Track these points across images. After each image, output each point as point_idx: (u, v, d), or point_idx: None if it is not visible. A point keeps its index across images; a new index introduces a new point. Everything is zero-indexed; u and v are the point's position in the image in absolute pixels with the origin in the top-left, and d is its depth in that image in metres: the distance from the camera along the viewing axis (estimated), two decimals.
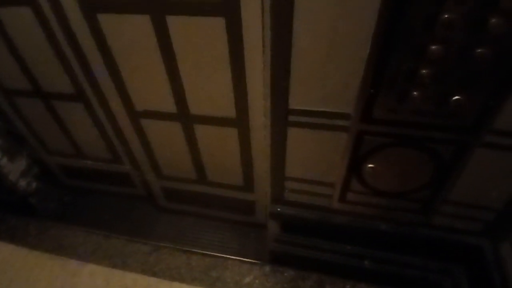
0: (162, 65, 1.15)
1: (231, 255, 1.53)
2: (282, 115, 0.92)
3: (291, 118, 0.93)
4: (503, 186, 0.96)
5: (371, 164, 0.98)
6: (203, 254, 1.55)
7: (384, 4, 0.67)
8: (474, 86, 0.77)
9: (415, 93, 0.80)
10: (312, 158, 1.04)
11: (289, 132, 0.98)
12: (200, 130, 1.32)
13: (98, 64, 1.19)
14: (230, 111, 1.19)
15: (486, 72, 0.74)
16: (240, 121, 1.21)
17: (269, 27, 0.75)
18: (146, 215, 1.72)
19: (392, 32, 0.71)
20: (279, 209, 1.22)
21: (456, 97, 0.79)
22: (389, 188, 1.05)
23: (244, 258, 1.51)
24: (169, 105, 1.26)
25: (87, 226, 1.60)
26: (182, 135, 1.37)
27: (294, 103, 0.90)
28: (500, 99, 0.77)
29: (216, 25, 0.96)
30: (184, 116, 1.29)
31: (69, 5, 1.06)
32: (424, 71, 0.76)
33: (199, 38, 1.01)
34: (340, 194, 1.10)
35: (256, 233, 1.57)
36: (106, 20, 1.07)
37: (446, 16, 0.67)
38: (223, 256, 1.53)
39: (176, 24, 1.01)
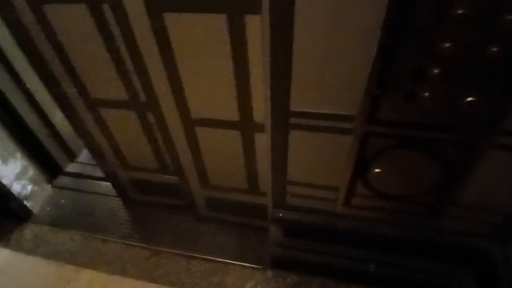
0: (231, 69, 0.99)
1: (232, 260, 1.49)
2: (283, 117, 0.88)
3: (293, 120, 0.89)
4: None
5: (377, 167, 0.94)
6: (203, 258, 1.51)
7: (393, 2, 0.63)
8: (487, 85, 0.72)
9: (424, 93, 0.76)
10: (315, 162, 1.00)
11: (290, 135, 0.94)
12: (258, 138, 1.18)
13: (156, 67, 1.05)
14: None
15: (500, 71, 0.70)
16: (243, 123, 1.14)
17: (268, 24, 0.70)
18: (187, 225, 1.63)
19: (401, 28, 0.67)
20: (281, 214, 1.18)
21: (470, 98, 0.75)
22: (395, 192, 1.01)
23: (245, 263, 1.48)
24: (231, 112, 1.12)
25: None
26: (240, 144, 1.23)
27: (296, 104, 0.86)
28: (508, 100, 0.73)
29: None
30: (246, 124, 1.15)
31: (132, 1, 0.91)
32: (434, 70, 0.72)
33: None
34: (345, 198, 1.06)
35: (258, 236, 1.53)
36: (174, 20, 0.93)
37: (459, 11, 0.63)
38: (224, 261, 1.50)
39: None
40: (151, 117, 1.26)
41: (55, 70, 1.20)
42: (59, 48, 1.11)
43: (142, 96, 1.17)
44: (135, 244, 1.57)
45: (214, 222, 1.60)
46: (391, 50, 0.71)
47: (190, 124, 1.19)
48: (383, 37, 0.69)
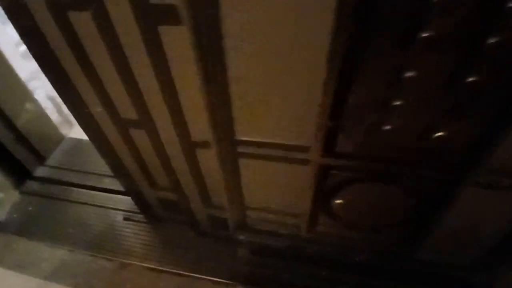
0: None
1: (202, 275, 1.41)
2: (228, 146, 0.76)
3: (241, 149, 0.77)
4: (496, 225, 0.80)
5: (339, 199, 0.83)
6: (173, 273, 1.43)
7: (342, 17, 0.48)
8: (461, 119, 0.59)
9: (387, 126, 0.63)
10: (273, 190, 0.89)
11: (240, 163, 0.82)
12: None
13: None
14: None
15: (476, 103, 0.57)
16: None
17: (193, 46, 0.57)
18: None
19: (356, 53, 0.53)
20: (242, 237, 1.08)
21: (439, 133, 0.62)
22: (363, 223, 0.89)
23: (217, 278, 1.39)
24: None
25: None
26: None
27: (242, 133, 0.74)
28: (492, 134, 0.60)
29: None
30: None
31: None
32: (396, 101, 0.58)
33: None
34: (308, 226, 0.96)
35: (231, 249, 1.44)
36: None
37: (427, 34, 0.49)
38: (194, 276, 1.41)
39: None
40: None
41: (79, 85, 0.89)
42: (84, 60, 0.80)
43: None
44: (102, 256, 1.49)
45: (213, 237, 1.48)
46: (345, 78, 0.57)
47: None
48: (334, 64, 0.55)
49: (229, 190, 0.90)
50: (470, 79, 0.53)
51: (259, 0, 0.50)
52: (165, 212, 1.46)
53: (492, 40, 0.49)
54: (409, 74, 0.54)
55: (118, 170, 1.20)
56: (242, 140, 0.75)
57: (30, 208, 1.71)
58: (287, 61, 0.58)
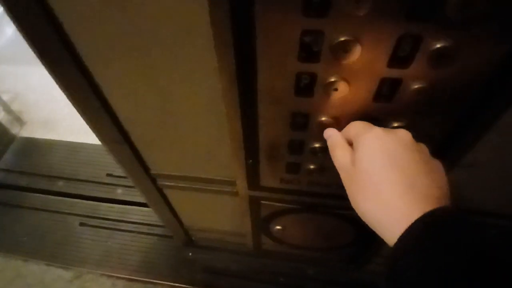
0: None
1: (161, 280, 1.38)
2: (145, 179, 0.68)
3: (161, 181, 0.69)
4: None
5: (278, 225, 0.76)
6: (130, 279, 1.39)
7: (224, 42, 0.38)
8: None
9: (310, 166, 0.56)
10: (210, 215, 0.82)
11: (167, 193, 0.74)
12: None
13: None
14: None
15: None
16: None
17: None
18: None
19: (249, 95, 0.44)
20: (190, 254, 1.03)
21: None
22: (306, 245, 0.84)
23: (176, 283, 1.36)
24: None
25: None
26: None
27: (156, 168, 0.66)
28: None
29: None
30: None
31: None
32: (315, 144, 0.51)
33: None
34: (254, 245, 0.90)
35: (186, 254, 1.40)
36: None
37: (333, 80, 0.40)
38: (152, 281, 1.38)
39: None
40: None
41: None
42: None
43: None
44: (58, 265, 1.44)
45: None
46: (249, 122, 0.49)
47: None
48: (229, 102, 0.46)
49: (163, 216, 0.83)
50: (393, 123, 0.45)
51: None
52: None
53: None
54: (317, 119, 0.46)
55: None
56: (159, 174, 0.67)
57: None
58: (182, 98, 0.49)
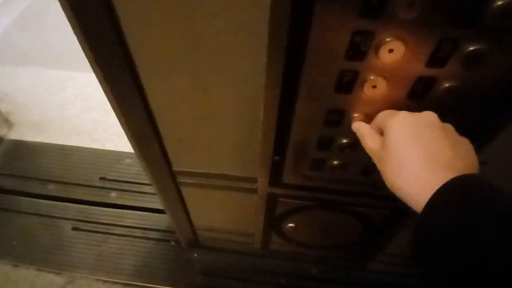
0: None
1: (158, 284, 1.36)
2: (166, 176, 0.69)
3: (181, 179, 0.71)
4: None
5: (291, 223, 0.79)
6: (126, 284, 1.37)
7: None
8: None
9: (332, 162, 0.59)
10: (223, 214, 0.84)
11: (184, 191, 0.76)
12: None
13: None
14: None
15: None
16: None
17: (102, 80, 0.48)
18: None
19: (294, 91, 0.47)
20: (195, 255, 1.03)
21: None
22: (314, 243, 0.87)
23: (173, 287, 1.35)
24: None
25: None
26: None
27: (179, 165, 0.67)
28: None
29: None
30: None
31: None
32: (342, 140, 0.54)
33: None
34: (262, 244, 0.92)
35: (187, 255, 1.39)
36: None
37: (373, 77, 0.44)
38: (148, 286, 1.36)
39: None
40: None
41: None
42: None
43: None
44: (50, 270, 1.40)
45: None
46: (285, 118, 0.51)
47: None
48: (269, 103, 0.49)
49: (175, 215, 0.84)
50: None
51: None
52: None
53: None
54: (352, 115, 0.49)
55: None
56: (180, 171, 0.68)
57: None
58: (218, 95, 0.51)
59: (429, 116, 0.40)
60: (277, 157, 0.60)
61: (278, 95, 0.47)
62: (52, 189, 1.59)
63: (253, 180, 0.68)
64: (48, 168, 1.67)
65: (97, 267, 1.41)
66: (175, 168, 0.68)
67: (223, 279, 1.13)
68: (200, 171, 0.68)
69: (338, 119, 0.50)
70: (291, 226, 0.80)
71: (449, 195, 0.32)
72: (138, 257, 1.44)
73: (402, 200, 0.38)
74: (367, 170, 0.60)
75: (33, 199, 1.57)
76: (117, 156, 1.69)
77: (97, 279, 1.39)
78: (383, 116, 0.43)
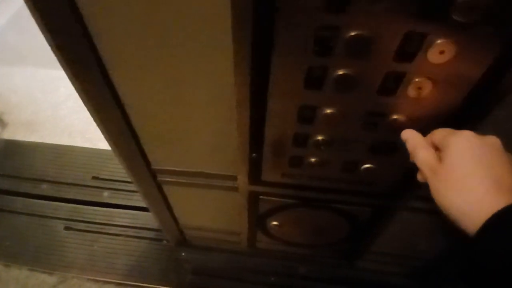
0: None
1: (149, 284, 1.35)
2: (145, 174, 0.69)
3: (161, 177, 0.70)
4: (428, 242, 0.79)
5: (275, 221, 0.78)
6: (118, 283, 1.36)
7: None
8: (388, 153, 0.55)
9: (310, 159, 0.58)
10: (206, 212, 0.83)
11: (166, 189, 0.75)
12: None
13: None
14: None
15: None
16: None
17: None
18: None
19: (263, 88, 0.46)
20: (183, 254, 1.03)
21: (367, 165, 0.58)
22: (301, 242, 0.86)
23: (164, 286, 1.34)
24: None
25: None
26: None
27: (158, 163, 0.66)
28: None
29: None
30: None
31: None
32: (317, 137, 0.53)
33: None
34: (248, 242, 0.92)
35: (175, 255, 1.39)
36: None
37: (340, 72, 0.43)
38: (140, 285, 1.36)
39: None
40: None
41: None
42: None
43: None
44: (42, 270, 1.40)
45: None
46: (257, 115, 0.51)
47: None
48: (242, 95, 0.48)
49: (159, 214, 0.83)
50: (394, 117, 0.48)
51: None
52: None
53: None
54: (323, 112, 0.49)
55: None
56: (160, 169, 0.68)
57: None
58: (191, 94, 0.51)
59: (494, 141, 0.39)
60: (254, 155, 0.59)
61: (247, 92, 0.46)
62: (45, 188, 1.59)
63: (234, 178, 0.67)
64: (41, 168, 1.66)
65: (89, 267, 1.41)
66: (154, 166, 0.67)
67: (213, 278, 1.12)
68: (180, 169, 0.67)
69: (311, 116, 0.49)
70: (275, 225, 0.79)
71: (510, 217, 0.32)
72: (130, 256, 1.44)
73: (450, 218, 0.37)
74: (347, 168, 0.60)
75: (26, 199, 1.57)
76: (109, 155, 1.69)
77: (89, 279, 1.39)
78: (443, 134, 0.42)
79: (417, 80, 0.41)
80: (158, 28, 0.41)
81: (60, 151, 1.72)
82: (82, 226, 1.52)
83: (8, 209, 1.57)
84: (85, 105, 0.52)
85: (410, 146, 0.45)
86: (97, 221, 1.55)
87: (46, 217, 1.54)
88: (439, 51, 0.37)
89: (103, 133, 0.58)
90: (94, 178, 1.65)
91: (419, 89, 0.42)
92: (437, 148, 0.42)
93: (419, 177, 0.44)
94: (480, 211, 0.33)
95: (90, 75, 0.47)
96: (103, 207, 1.59)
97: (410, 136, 0.45)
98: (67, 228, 1.51)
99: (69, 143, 1.73)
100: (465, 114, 0.45)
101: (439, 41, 0.37)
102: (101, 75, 0.47)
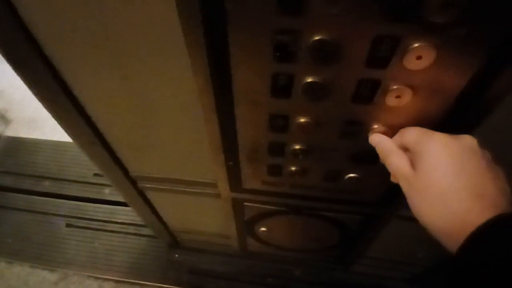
0: None
1: (149, 281, 1.36)
2: (124, 181, 0.66)
3: (142, 183, 0.68)
4: (422, 247, 0.75)
5: (263, 227, 0.75)
6: (117, 280, 1.37)
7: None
8: (369, 163, 0.51)
9: (291, 168, 0.54)
10: (194, 217, 0.81)
11: (148, 195, 0.72)
12: None
13: None
14: None
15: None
16: None
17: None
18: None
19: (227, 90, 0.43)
20: (177, 256, 1.01)
21: (351, 174, 0.54)
22: (292, 247, 0.83)
23: (163, 284, 1.34)
24: None
25: None
26: None
27: (136, 170, 0.64)
28: None
29: None
30: None
31: None
32: (296, 146, 0.49)
33: None
34: (240, 246, 0.89)
35: (169, 256, 1.38)
36: None
37: (308, 80, 0.39)
38: (140, 283, 1.36)
39: None
40: None
41: None
42: None
43: None
44: (43, 267, 1.41)
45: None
46: (227, 120, 0.47)
47: None
48: (207, 103, 0.45)
49: (146, 218, 0.81)
50: (374, 126, 0.44)
51: None
52: None
53: None
54: (297, 121, 0.44)
55: None
56: (139, 176, 0.65)
57: None
58: (158, 100, 0.47)
59: (470, 142, 0.35)
60: (231, 163, 0.56)
61: (212, 99, 0.42)
62: (47, 185, 1.60)
63: (214, 186, 0.64)
64: (43, 165, 1.67)
65: (90, 264, 1.41)
66: (133, 173, 0.65)
67: (210, 278, 1.11)
68: (159, 176, 0.65)
69: (284, 125, 0.45)
70: (264, 231, 0.76)
71: (495, 233, 0.30)
72: (130, 254, 1.44)
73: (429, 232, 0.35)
74: (330, 177, 0.55)
75: (28, 196, 1.58)
76: None
77: (89, 276, 1.40)
78: (415, 136, 0.38)
79: (395, 87, 0.37)
80: (108, 35, 0.38)
81: (62, 148, 1.72)
82: (83, 223, 1.53)
83: (10, 206, 1.59)
84: (48, 111, 0.50)
85: (380, 152, 0.41)
86: (98, 218, 1.55)
87: (48, 214, 1.55)
88: (416, 56, 0.33)
89: (73, 140, 0.56)
90: (95, 175, 1.65)
91: (399, 98, 0.38)
92: (407, 149, 0.38)
93: (392, 179, 0.40)
94: (464, 231, 0.31)
95: (42, 79, 0.45)
96: (104, 204, 1.59)
97: (379, 141, 0.41)
98: (68, 225, 1.52)
99: (71, 140, 1.73)
100: (454, 123, 0.40)
101: (415, 45, 0.32)
102: (56, 83, 0.44)
